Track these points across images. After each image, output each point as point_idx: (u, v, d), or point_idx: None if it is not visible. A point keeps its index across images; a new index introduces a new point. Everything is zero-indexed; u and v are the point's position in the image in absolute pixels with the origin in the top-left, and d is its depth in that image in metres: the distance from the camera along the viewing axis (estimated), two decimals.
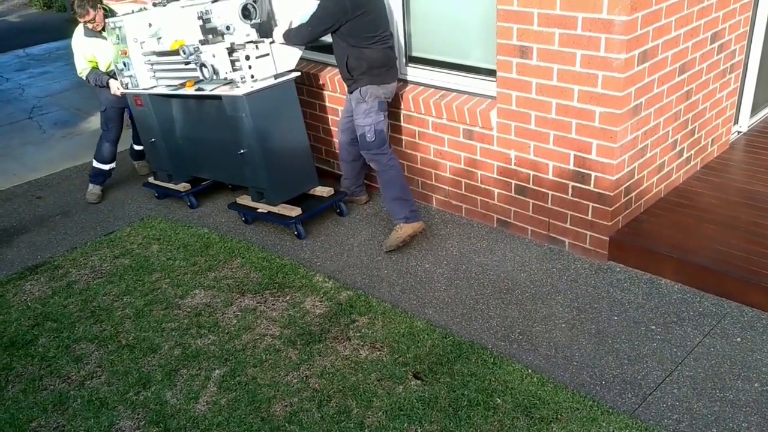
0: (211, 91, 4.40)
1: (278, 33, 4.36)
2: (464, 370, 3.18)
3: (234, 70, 4.23)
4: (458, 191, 4.51)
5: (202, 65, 4.22)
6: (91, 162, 5.71)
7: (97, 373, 3.42)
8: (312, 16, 4.13)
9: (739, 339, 3.25)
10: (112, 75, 5.27)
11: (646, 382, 3.06)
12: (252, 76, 4.24)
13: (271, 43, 4.35)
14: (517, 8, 3.71)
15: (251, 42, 4.30)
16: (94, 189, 5.68)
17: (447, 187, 4.58)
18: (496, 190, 4.28)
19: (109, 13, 5.26)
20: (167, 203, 5.33)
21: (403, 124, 4.61)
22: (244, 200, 4.79)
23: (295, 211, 4.47)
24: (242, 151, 4.41)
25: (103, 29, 5.15)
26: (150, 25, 4.80)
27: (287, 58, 4.44)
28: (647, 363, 3.16)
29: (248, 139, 4.35)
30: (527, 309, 3.61)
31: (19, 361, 3.58)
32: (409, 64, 4.57)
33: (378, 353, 3.34)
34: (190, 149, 5.03)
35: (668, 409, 2.90)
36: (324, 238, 4.53)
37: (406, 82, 4.58)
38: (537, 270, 3.93)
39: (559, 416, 2.89)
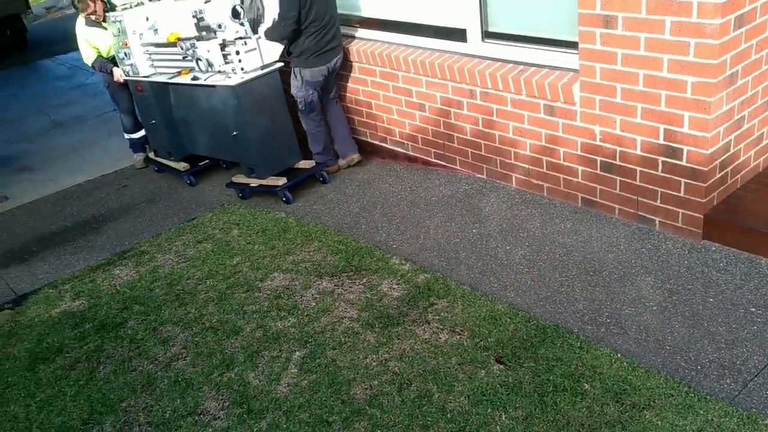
0: (205, 80, 4.94)
1: (262, 30, 4.91)
2: (549, 354, 3.06)
3: (226, 62, 4.79)
4: (539, 170, 4.36)
5: (198, 59, 4.88)
6: None
7: (182, 354, 3.50)
8: (279, 13, 4.75)
9: None
10: (114, 62, 5.77)
11: (746, 367, 2.86)
12: (242, 68, 4.76)
13: (258, 38, 4.85)
14: None
15: (240, 38, 4.78)
16: (137, 157, 6.36)
17: (527, 166, 4.43)
18: (580, 168, 4.11)
19: (108, 5, 5.71)
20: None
21: (479, 101, 4.48)
22: (239, 178, 5.29)
23: (281, 181, 5.04)
24: (234, 133, 4.95)
25: (104, 20, 5.64)
26: (147, 18, 5.36)
27: (272, 51, 4.94)
28: (747, 347, 2.96)
29: (240, 122, 4.90)
30: (615, 291, 3.44)
31: (109, 342, 3.71)
32: (486, 40, 4.43)
33: (458, 337, 3.26)
34: (187, 130, 5.57)
35: None
36: (399, 221, 4.48)
37: (482, 58, 4.44)
38: (625, 250, 3.74)
39: (652, 403, 2.74)
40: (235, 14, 4.78)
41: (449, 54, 4.63)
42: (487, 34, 4.44)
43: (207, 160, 5.81)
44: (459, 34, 4.58)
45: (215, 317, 3.76)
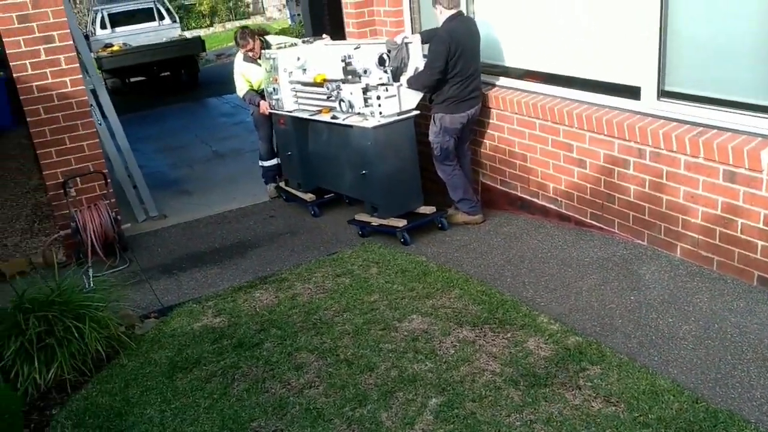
0: (344, 120, 5.21)
1: (404, 79, 5.09)
2: None
3: (366, 105, 5.02)
4: (710, 241, 3.97)
5: (341, 100, 5.20)
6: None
7: (315, 383, 3.42)
8: (426, 62, 4.97)
9: None
10: (262, 96, 6.29)
11: None
12: (380, 113, 4.94)
13: (399, 86, 5.03)
14: None
15: (382, 84, 5.04)
16: (269, 188, 6.74)
17: (696, 236, 4.05)
18: (761, 243, 3.69)
19: (265, 44, 6.30)
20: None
21: (648, 162, 4.19)
22: (361, 216, 5.48)
23: (401, 223, 5.18)
24: (364, 172, 5.16)
25: (259, 57, 6.17)
26: (298, 58, 5.80)
27: (410, 99, 5.11)
28: None
29: (370, 162, 5.12)
30: None
31: (245, 361, 3.71)
32: (661, 98, 4.16)
33: (614, 408, 2.94)
34: (320, 165, 5.93)
35: None
36: (548, 279, 4.23)
37: (655, 117, 4.17)
38: None
39: None
40: (382, 62, 5.07)
41: (618, 111, 4.40)
42: (663, 93, 4.17)
43: (332, 194, 6.07)
44: (631, 91, 4.34)
45: (350, 350, 3.66)
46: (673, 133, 3.97)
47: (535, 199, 5.20)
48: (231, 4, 33.17)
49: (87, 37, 16.21)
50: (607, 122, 4.36)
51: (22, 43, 5.36)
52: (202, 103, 12.61)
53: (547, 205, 5.10)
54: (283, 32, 17.42)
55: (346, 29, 6.69)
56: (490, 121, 5.38)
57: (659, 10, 4.01)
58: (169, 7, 17.10)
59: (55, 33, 5.43)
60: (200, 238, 5.91)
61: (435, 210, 5.33)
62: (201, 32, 26.89)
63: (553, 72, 4.92)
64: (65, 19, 5.46)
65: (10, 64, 5.44)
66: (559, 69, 4.87)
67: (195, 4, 33.53)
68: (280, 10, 31.03)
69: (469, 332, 3.70)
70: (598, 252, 4.45)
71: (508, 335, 3.62)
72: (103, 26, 15.35)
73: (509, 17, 5.22)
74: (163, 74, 15.04)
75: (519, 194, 5.34)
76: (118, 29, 15.27)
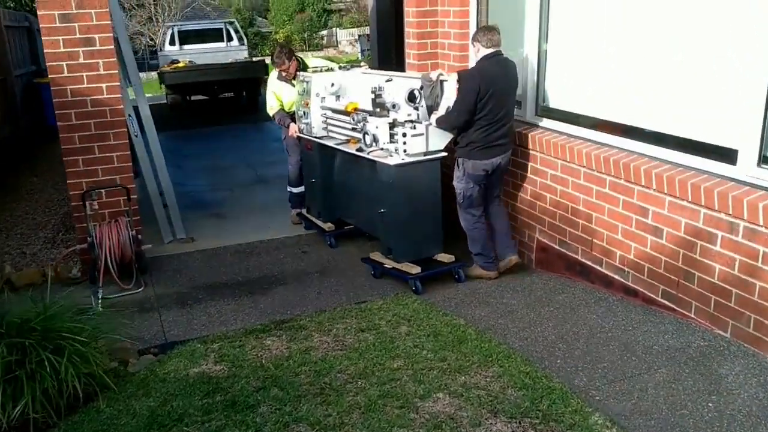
0: (368, 153, 4.96)
1: (434, 118, 4.75)
2: None
3: (391, 141, 4.77)
4: None
5: (365, 132, 4.94)
6: None
7: None
8: (454, 102, 4.60)
9: None
10: (293, 118, 6.10)
11: None
12: (405, 150, 4.70)
13: (428, 124, 4.75)
14: None
15: (410, 121, 4.74)
16: (293, 213, 6.51)
17: None
18: None
19: (301, 64, 6.15)
20: (426, 283, 4.77)
21: (739, 239, 3.49)
22: (375, 256, 5.15)
23: (415, 269, 4.79)
24: (382, 210, 4.90)
25: (294, 78, 6.02)
26: (332, 84, 5.56)
27: (438, 139, 4.83)
28: None
29: (389, 201, 4.86)
30: None
31: (232, 428, 3.13)
32: (763, 165, 3.47)
33: None
34: (341, 196, 5.74)
35: None
36: (607, 366, 3.54)
37: (754, 187, 3.48)
38: None
39: None
40: (412, 98, 4.78)
41: (707, 175, 3.72)
42: (765, 159, 3.49)
43: (351, 226, 5.82)
44: (725, 154, 3.66)
45: (357, 431, 3.05)
46: None
47: (597, 266, 4.51)
48: (306, 35, 33.61)
49: (155, 52, 16.43)
50: (693, 187, 3.68)
51: (61, 43, 5.09)
52: (257, 127, 12.36)
53: (612, 274, 4.40)
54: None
55: (406, 60, 6.22)
56: (553, 172, 4.75)
57: None
58: (239, 29, 17.18)
59: (96, 36, 5.14)
60: (224, 267, 5.46)
61: (454, 260, 4.95)
62: None
63: (632, 124, 4.26)
64: (109, 22, 5.17)
65: (47, 64, 5.17)
66: (639, 122, 4.21)
67: (271, 33, 34.13)
68: (352, 45, 31.25)
69: (504, 425, 3.04)
70: (669, 339, 3.73)
71: None
72: (172, 42, 15.49)
73: (585, 60, 4.62)
74: (223, 95, 14.96)
75: (579, 258, 4.67)
76: (186, 47, 15.37)
